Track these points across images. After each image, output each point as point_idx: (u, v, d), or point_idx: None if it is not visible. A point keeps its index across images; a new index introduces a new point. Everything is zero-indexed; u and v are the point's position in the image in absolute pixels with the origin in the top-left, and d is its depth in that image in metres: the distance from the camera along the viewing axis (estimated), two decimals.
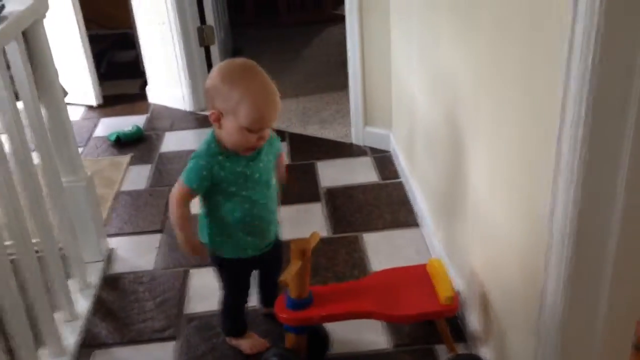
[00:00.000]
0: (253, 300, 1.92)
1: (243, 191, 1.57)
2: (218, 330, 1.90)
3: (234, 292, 1.78)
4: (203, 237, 1.68)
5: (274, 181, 1.66)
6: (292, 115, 3.41)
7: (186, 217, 1.57)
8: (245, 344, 1.82)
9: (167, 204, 2.59)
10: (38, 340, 1.74)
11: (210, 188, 1.56)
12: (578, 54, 1.00)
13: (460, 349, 1.74)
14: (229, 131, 1.51)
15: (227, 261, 1.68)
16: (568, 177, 1.09)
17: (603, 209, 1.10)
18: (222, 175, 1.54)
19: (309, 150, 3.01)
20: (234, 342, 1.84)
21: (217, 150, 1.55)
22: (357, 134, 3.02)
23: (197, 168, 1.53)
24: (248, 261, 1.69)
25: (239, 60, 1.57)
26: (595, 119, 1.02)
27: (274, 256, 1.76)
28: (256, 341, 1.83)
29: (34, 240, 1.70)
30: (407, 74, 2.45)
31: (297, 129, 3.24)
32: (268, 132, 1.55)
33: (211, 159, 1.54)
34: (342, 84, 3.44)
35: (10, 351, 1.58)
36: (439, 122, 2.00)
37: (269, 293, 1.91)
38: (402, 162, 2.66)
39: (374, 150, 2.96)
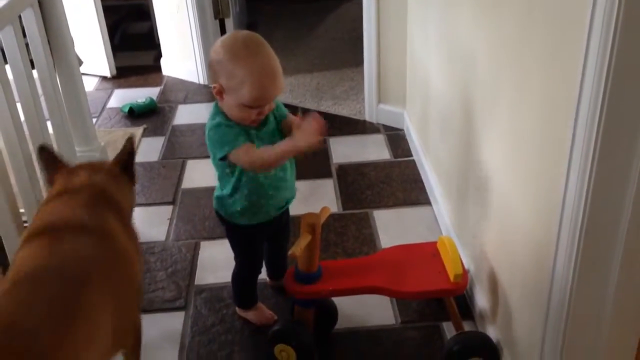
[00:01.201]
0: (262, 273, 1.94)
1: None
2: (228, 302, 1.93)
3: (248, 262, 1.80)
4: (222, 208, 1.68)
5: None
6: (305, 91, 3.40)
7: (263, 151, 1.52)
8: (254, 316, 1.84)
9: (180, 175, 2.62)
10: None
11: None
12: (597, 38, 0.99)
13: (468, 327, 1.74)
14: (230, 105, 1.52)
15: (245, 229, 1.68)
16: (582, 159, 1.09)
17: (615, 190, 1.10)
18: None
19: None
20: (242, 313, 1.86)
21: (226, 121, 1.55)
22: (371, 111, 3.01)
23: (226, 131, 1.52)
24: (265, 226, 1.69)
25: (243, 34, 1.54)
26: (611, 104, 1.02)
27: (285, 222, 1.79)
28: (264, 313, 1.85)
29: None
30: (424, 51, 2.42)
31: (310, 105, 3.23)
32: (267, 108, 1.54)
33: (228, 121, 1.54)
34: (356, 61, 3.43)
35: None
36: (455, 101, 1.98)
37: (276, 266, 1.93)
38: (415, 141, 2.65)
39: (387, 128, 2.94)
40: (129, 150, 1.47)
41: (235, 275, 1.83)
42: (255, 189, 1.61)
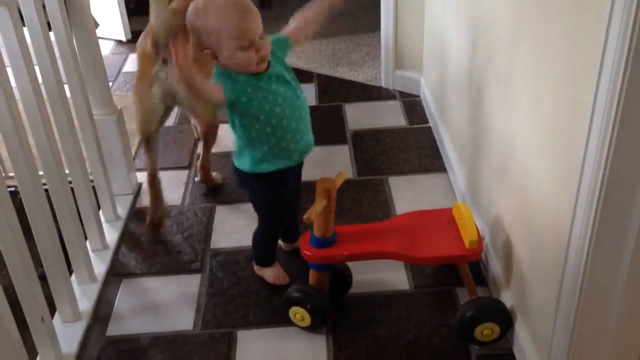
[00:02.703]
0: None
1: (270, 95, 1.55)
2: (243, 265, 1.95)
3: (274, 215, 1.78)
4: (243, 161, 1.66)
5: (297, 82, 1.64)
6: (321, 56, 3.37)
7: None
8: (270, 274, 1.87)
9: (196, 140, 2.62)
10: (70, 268, 1.80)
11: (239, 103, 1.55)
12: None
13: (481, 293, 1.75)
14: (228, 59, 1.51)
15: (265, 178, 1.66)
16: (603, 126, 1.07)
17: (636, 157, 1.09)
18: (248, 92, 1.53)
19: (337, 92, 2.99)
20: (259, 271, 1.89)
21: (228, 74, 1.54)
22: (387, 77, 2.99)
23: (218, 76, 1.55)
24: (285, 174, 1.67)
25: None
26: (635, 66, 1.00)
27: (298, 180, 1.80)
28: (280, 273, 1.87)
29: (66, 171, 1.74)
30: (442, 16, 2.39)
31: (325, 71, 3.21)
32: (264, 44, 1.52)
33: (224, 73, 1.54)
34: (373, 26, 3.39)
35: (43, 277, 1.63)
36: (473, 67, 1.96)
37: (289, 227, 1.94)
38: (432, 107, 2.63)
39: (403, 94, 2.92)
40: None
41: (258, 234, 1.84)
42: (268, 138, 1.59)
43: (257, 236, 1.85)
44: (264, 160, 1.63)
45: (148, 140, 2.05)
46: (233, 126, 1.62)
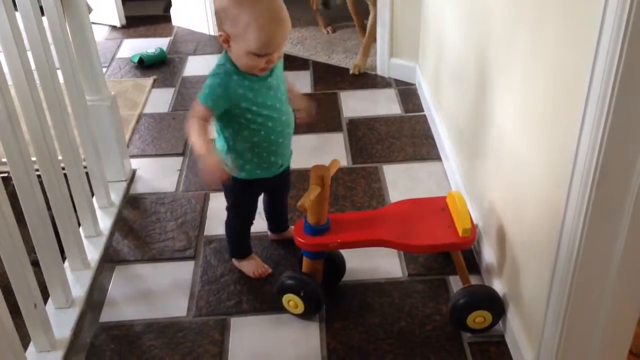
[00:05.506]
0: (264, 226, 1.95)
1: (264, 109, 1.57)
2: None
3: (243, 214, 1.80)
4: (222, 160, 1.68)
5: (286, 99, 1.66)
6: (317, 43, 3.35)
7: (204, 133, 1.52)
8: (248, 267, 1.86)
9: None
10: (63, 254, 1.79)
11: (232, 110, 1.55)
12: None
13: (474, 281, 1.76)
14: (237, 54, 1.50)
15: (244, 183, 1.68)
16: (596, 115, 1.07)
17: (629, 146, 1.09)
18: (240, 93, 1.53)
19: (333, 79, 2.98)
20: (237, 264, 1.88)
21: (232, 69, 1.53)
22: (382, 65, 2.98)
23: (212, 86, 1.52)
24: (264, 181, 1.70)
25: None
26: (628, 58, 1.00)
27: (286, 179, 1.80)
28: (258, 265, 1.86)
29: (59, 158, 1.73)
30: (439, 4, 2.38)
31: (321, 58, 3.20)
32: (277, 56, 1.52)
33: (227, 77, 1.52)
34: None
35: (36, 264, 1.63)
36: (469, 55, 1.95)
37: (277, 220, 1.94)
38: (427, 95, 2.62)
39: (398, 83, 2.92)
40: None
41: (228, 225, 1.84)
42: (247, 150, 1.61)
43: (228, 225, 1.84)
44: (243, 169, 1.65)
45: None
46: (218, 132, 1.62)
